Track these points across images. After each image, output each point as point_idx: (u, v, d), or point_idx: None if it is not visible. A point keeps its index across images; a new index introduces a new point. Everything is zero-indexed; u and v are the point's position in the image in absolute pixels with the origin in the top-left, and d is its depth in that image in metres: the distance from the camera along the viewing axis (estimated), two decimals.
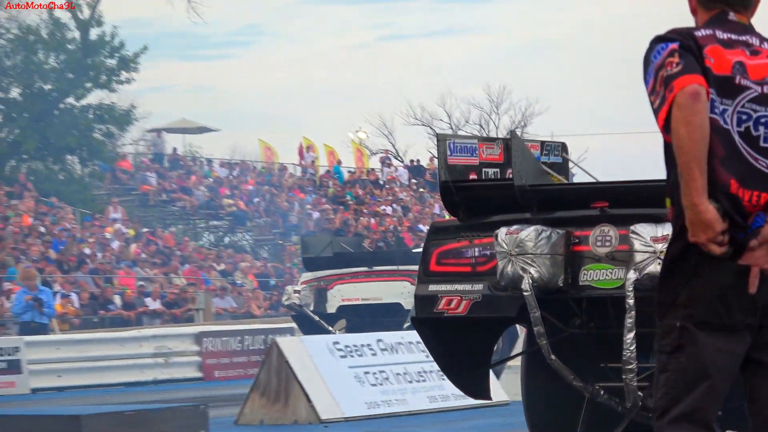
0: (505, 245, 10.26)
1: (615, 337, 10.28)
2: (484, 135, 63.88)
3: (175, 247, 45.07)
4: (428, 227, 11.46)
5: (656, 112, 5.99)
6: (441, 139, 10.85)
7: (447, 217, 11.15)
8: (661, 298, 6.24)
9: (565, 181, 11.51)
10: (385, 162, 63.94)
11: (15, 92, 50.98)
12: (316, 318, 29.04)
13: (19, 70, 50.67)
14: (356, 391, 15.87)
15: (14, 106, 50.85)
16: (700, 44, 6.07)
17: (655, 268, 9.82)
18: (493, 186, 10.95)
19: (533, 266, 10.21)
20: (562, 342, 10.79)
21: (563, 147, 11.88)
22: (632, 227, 10.08)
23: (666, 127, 5.97)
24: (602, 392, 10.64)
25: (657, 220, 9.99)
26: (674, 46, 6.01)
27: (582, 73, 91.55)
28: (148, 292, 38.21)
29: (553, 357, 10.47)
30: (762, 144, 6.12)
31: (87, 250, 40.72)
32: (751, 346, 6.20)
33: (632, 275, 10.02)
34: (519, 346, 15.61)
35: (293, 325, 31.43)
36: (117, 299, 37.22)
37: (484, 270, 10.61)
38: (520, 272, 10.22)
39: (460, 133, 66.00)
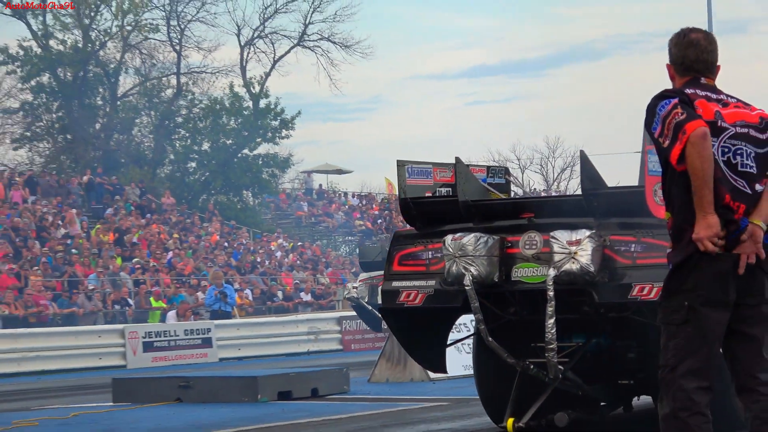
0: (450, 249, 9.79)
1: (541, 322, 9.68)
2: (543, 174, 63.33)
3: (321, 256, 44.88)
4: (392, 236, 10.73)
5: (668, 149, 5.94)
6: (400, 165, 10.28)
7: (407, 227, 10.58)
8: (670, 285, 6.14)
9: (503, 197, 10.73)
10: None
11: (206, 145, 50.88)
12: (369, 307, 27.96)
13: (209, 130, 50.54)
14: (456, 357, 15.31)
15: (205, 155, 50.67)
16: (691, 99, 6.07)
17: (570, 266, 9.37)
18: (442, 202, 10.33)
19: (473, 266, 9.69)
20: (502, 326, 10.25)
21: (506, 171, 11.26)
22: (552, 233, 9.52)
23: (680, 160, 5.92)
24: (531, 367, 10.00)
25: (572, 227, 9.49)
26: (676, 101, 6.00)
27: (617, 128, 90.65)
28: (302, 288, 38.22)
29: (490, 339, 9.94)
30: (739, 169, 6.10)
31: (258, 259, 40.86)
32: (732, 320, 6.11)
33: (552, 272, 9.46)
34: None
35: None
36: (279, 294, 37.24)
37: (435, 269, 10.10)
38: (463, 271, 9.72)
39: (527, 171, 65.65)
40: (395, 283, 10.26)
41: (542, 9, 72.83)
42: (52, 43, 48.57)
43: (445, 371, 11.13)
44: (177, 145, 51.28)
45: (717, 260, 6.03)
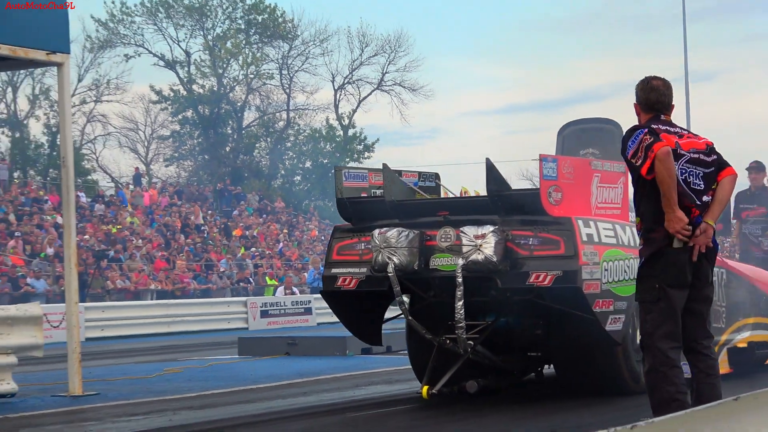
0: (377, 241, 8.91)
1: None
2: None
3: None
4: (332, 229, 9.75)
5: (640, 166, 6.03)
6: (337, 170, 9.37)
7: (344, 222, 9.61)
8: (644, 272, 6.20)
9: (427, 197, 9.66)
10: None
11: (308, 164, 51.04)
12: None
13: (310, 152, 50.68)
14: None
15: (307, 171, 50.87)
16: (657, 132, 6.14)
17: (476, 256, 8.56)
18: (372, 201, 9.36)
19: (395, 256, 8.82)
20: (426, 307, 9.42)
21: (436, 176, 10.13)
22: (462, 228, 8.66)
23: (649, 171, 6.03)
24: (447, 341, 9.06)
25: (480, 223, 8.65)
26: (646, 131, 6.10)
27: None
28: None
29: (410, 318, 9.14)
30: (692, 186, 6.20)
31: None
32: (687, 299, 6.20)
33: (460, 261, 8.60)
34: None
35: None
36: None
37: (367, 258, 9.14)
38: (387, 260, 8.85)
39: None
40: (334, 270, 9.32)
41: (559, 62, 72.41)
42: (194, 87, 49.09)
43: (380, 344, 10.20)
44: (286, 163, 51.66)
45: (678, 252, 6.11)
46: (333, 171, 9.61)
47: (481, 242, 8.55)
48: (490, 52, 75.91)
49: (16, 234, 29.26)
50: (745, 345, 10.11)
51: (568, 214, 8.53)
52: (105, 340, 22.10)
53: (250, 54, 49.26)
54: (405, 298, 9.27)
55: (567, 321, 8.89)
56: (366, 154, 51.40)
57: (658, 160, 5.97)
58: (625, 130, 6.39)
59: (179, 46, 48.59)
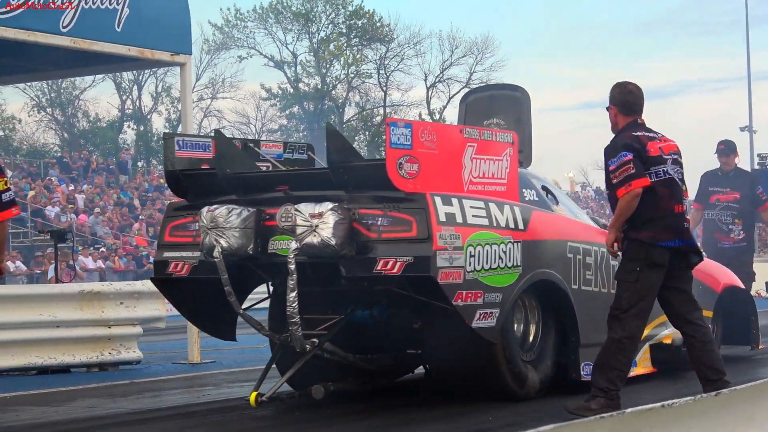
0: (204, 221, 6.81)
1: (307, 294, 6.69)
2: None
3: None
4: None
5: (617, 186, 6.17)
6: (167, 138, 7.24)
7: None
8: (629, 254, 6.27)
9: (263, 171, 7.47)
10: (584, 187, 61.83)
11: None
12: None
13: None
14: None
15: None
16: (644, 143, 6.23)
17: (312, 239, 6.48)
18: (205, 175, 7.15)
19: (223, 238, 6.73)
20: (279, 296, 7.21)
21: (309, 147, 8.15)
22: (296, 206, 6.56)
23: (619, 194, 6.19)
24: (289, 338, 6.82)
25: (321, 199, 6.57)
26: (630, 156, 6.15)
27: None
28: None
29: (240, 311, 6.95)
30: (680, 185, 6.39)
31: None
32: (669, 281, 6.30)
33: (293, 245, 6.52)
34: None
35: None
36: None
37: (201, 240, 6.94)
38: (214, 242, 6.77)
39: None
40: (165, 254, 7.22)
41: (625, 63, 71.32)
42: (300, 85, 49.49)
43: (234, 339, 7.64)
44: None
45: (662, 251, 6.26)
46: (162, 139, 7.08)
47: (318, 222, 6.47)
48: (567, 53, 75.23)
49: (140, 217, 29.87)
50: (669, 341, 8.26)
51: (424, 189, 6.46)
52: None
53: (351, 55, 49.62)
54: (271, 287, 7.36)
55: (434, 314, 6.72)
56: None
57: (629, 195, 6.14)
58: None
59: (287, 48, 49.43)
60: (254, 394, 6.93)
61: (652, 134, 6.35)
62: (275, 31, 48.72)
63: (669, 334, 8.20)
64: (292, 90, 49.27)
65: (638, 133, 6.28)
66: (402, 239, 6.38)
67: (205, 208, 6.88)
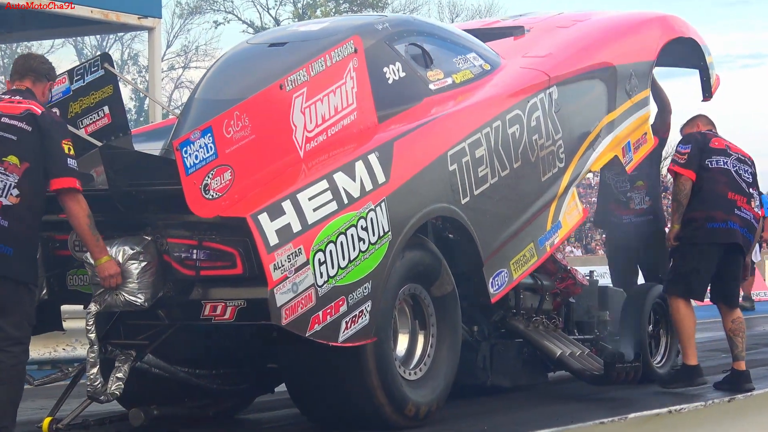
0: None
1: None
2: None
3: None
4: None
5: (677, 164, 7.41)
6: None
7: None
8: (684, 237, 7.41)
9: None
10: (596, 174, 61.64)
11: None
12: None
13: None
14: None
15: None
16: (708, 138, 7.58)
17: (114, 299, 5.48)
18: None
19: None
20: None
21: (104, 58, 6.36)
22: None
23: (675, 175, 7.48)
24: (109, 350, 5.71)
25: (116, 230, 5.52)
26: (689, 149, 7.44)
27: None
28: None
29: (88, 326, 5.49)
30: (741, 179, 7.55)
31: None
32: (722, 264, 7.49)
33: (93, 308, 5.49)
34: None
35: None
36: None
37: None
38: None
39: None
40: None
41: None
42: None
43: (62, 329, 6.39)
44: None
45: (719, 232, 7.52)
46: None
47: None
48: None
49: None
50: None
51: (244, 207, 5.35)
52: None
53: None
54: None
55: (290, 345, 5.89)
56: None
57: (679, 182, 7.41)
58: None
59: (269, 13, 48.89)
60: (47, 420, 5.78)
61: (714, 130, 7.78)
62: None
63: None
64: None
65: (708, 131, 7.69)
66: (226, 278, 5.37)
67: None
